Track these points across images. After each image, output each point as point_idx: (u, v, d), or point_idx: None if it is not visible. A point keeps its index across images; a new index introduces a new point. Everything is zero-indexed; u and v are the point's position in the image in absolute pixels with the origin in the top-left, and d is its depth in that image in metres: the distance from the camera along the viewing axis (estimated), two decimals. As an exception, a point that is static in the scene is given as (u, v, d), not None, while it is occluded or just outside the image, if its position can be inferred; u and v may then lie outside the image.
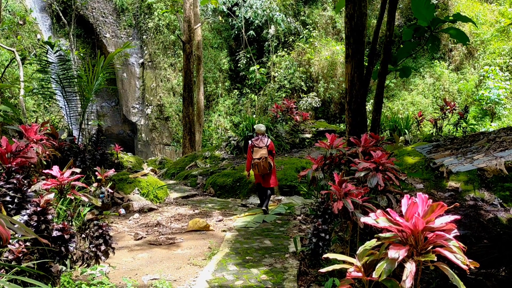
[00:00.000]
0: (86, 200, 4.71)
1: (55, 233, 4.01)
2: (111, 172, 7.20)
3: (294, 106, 14.47)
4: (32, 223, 3.88)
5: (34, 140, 6.21)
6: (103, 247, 4.68)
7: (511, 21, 19.93)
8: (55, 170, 4.54)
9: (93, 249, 4.61)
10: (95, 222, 4.67)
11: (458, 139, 9.59)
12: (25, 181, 4.53)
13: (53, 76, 10.64)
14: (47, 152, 6.41)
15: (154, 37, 26.76)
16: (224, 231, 7.36)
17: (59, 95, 11.02)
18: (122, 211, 8.52)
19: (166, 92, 26.66)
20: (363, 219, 2.46)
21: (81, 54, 19.46)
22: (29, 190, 4.14)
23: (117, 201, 8.84)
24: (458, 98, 21.05)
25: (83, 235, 4.73)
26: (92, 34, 26.93)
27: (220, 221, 8.09)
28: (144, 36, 27.12)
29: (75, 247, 4.24)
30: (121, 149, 14.09)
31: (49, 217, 3.96)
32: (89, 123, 15.46)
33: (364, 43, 7.82)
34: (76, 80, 10.55)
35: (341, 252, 5.38)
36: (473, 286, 5.03)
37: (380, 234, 2.42)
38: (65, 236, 4.07)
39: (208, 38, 26.65)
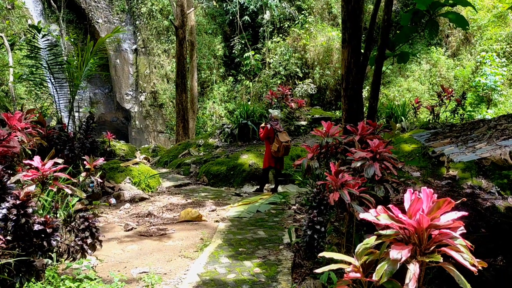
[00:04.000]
0: (70, 192, 4.49)
1: (36, 227, 3.81)
2: (101, 160, 6.96)
3: (289, 93, 14.18)
4: (12, 216, 3.67)
5: (19, 128, 5.97)
6: (89, 240, 4.48)
7: (510, 6, 19.64)
8: (36, 161, 4.31)
9: (79, 243, 4.42)
10: (81, 214, 4.46)
11: (457, 126, 9.42)
12: (6, 172, 4.30)
13: (41, 62, 10.33)
14: (32, 141, 6.18)
15: (147, 22, 26.27)
16: (217, 221, 7.18)
17: (49, 81, 10.71)
18: (113, 200, 8.32)
19: (160, 79, 26.28)
20: (362, 215, 2.27)
21: (72, 40, 19.02)
22: (8, 182, 3.92)
23: (107, 190, 8.62)
24: (454, 84, 20.86)
25: (69, 228, 4.53)
26: (84, 19, 26.38)
27: (213, 211, 7.91)
28: (137, 22, 26.62)
29: (58, 241, 4.04)
30: (113, 136, 13.83)
31: (30, 210, 3.75)
32: (81, 110, 15.17)
33: (361, 28, 7.58)
34: (65, 66, 10.24)
35: (337, 243, 5.22)
36: (470, 276, 4.90)
37: (380, 231, 2.24)
38: (47, 230, 3.87)
39: (202, 23, 26.18)
